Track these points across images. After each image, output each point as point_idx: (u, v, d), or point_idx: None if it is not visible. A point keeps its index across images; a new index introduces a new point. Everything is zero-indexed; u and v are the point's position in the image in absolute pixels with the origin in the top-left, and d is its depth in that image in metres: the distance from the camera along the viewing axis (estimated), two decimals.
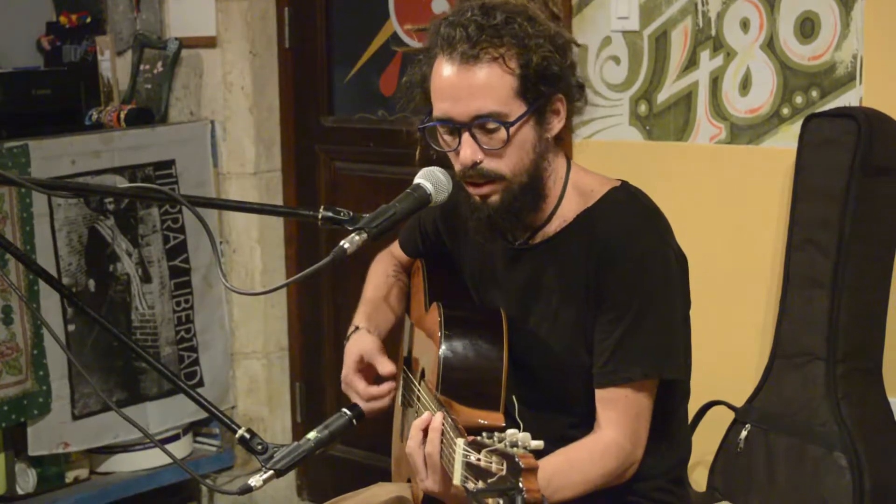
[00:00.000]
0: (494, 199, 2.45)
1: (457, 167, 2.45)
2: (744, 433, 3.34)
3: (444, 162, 2.50)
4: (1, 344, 4.15)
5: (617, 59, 3.77)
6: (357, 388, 2.65)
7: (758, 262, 3.54)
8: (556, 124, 2.48)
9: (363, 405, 2.64)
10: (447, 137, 2.46)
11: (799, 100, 3.46)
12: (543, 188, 2.49)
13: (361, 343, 2.72)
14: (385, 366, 2.65)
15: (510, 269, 2.60)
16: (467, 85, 2.39)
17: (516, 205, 2.46)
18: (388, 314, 2.88)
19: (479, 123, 2.40)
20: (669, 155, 3.70)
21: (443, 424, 2.21)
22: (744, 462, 3.33)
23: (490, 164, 2.42)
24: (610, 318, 2.44)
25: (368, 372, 2.69)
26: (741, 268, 3.58)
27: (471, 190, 2.46)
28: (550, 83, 2.42)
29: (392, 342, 2.88)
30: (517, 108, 2.40)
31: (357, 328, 2.78)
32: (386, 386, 2.66)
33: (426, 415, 2.28)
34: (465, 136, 2.41)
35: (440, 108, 2.43)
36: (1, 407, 4.14)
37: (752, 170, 3.55)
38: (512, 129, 2.39)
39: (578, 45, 2.57)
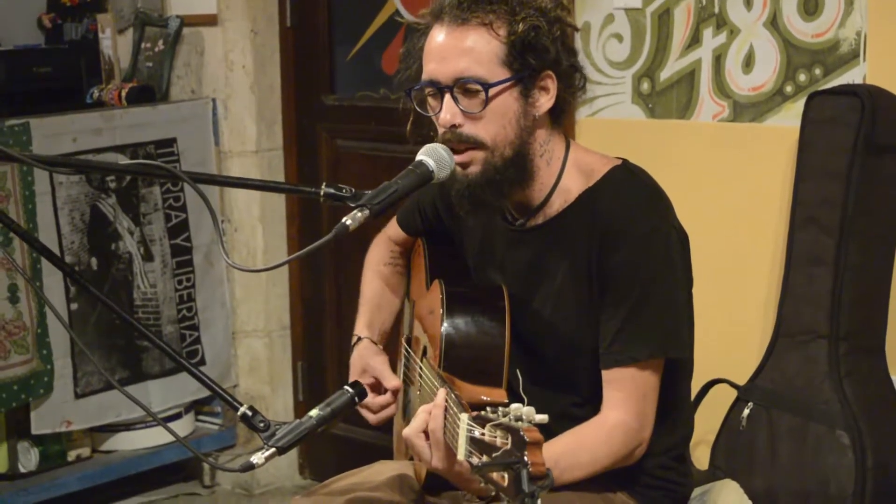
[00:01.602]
0: (474, 169, 2.45)
1: (439, 130, 2.46)
2: (746, 411, 3.34)
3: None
4: (8, 323, 4.15)
5: (619, 37, 3.76)
6: (366, 403, 2.68)
7: (760, 241, 3.53)
8: (545, 102, 2.47)
9: (372, 418, 2.67)
10: (432, 102, 2.49)
11: (802, 77, 3.45)
12: (531, 166, 2.49)
13: (365, 356, 2.76)
14: (391, 380, 2.69)
15: (512, 250, 2.59)
16: (454, 46, 2.43)
17: (497, 178, 2.45)
18: (390, 308, 2.91)
19: (460, 84, 2.42)
20: (672, 133, 3.69)
21: (446, 400, 2.21)
22: (746, 440, 3.33)
23: (469, 129, 2.44)
24: (614, 299, 2.44)
25: (375, 385, 2.72)
26: (744, 246, 3.58)
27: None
28: (538, 56, 2.43)
29: (393, 330, 2.88)
30: (500, 74, 2.43)
31: (359, 339, 2.79)
32: (389, 396, 2.69)
33: (422, 418, 2.27)
34: (447, 98, 2.44)
35: (427, 69, 2.47)
36: (11, 386, 4.14)
37: (755, 148, 3.54)
38: (491, 92, 2.41)
39: (577, 29, 2.57)
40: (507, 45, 2.41)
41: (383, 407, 2.69)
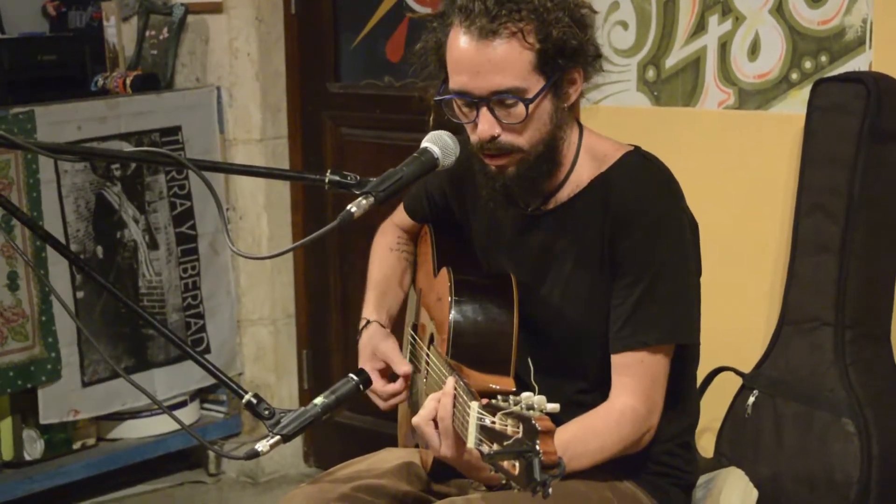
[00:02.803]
0: (511, 169, 2.45)
1: (473, 139, 2.45)
2: (751, 399, 3.34)
3: (457, 129, 2.49)
4: (7, 310, 4.15)
5: (625, 25, 3.75)
6: (375, 389, 2.66)
7: (766, 228, 3.53)
8: (573, 94, 2.48)
9: (382, 405, 2.67)
10: (465, 109, 2.46)
11: (808, 65, 3.44)
12: (559, 155, 2.50)
13: (374, 340, 2.74)
14: (401, 365, 2.67)
15: (522, 235, 2.59)
16: (486, 60, 2.38)
17: (532, 174, 2.46)
18: (397, 293, 2.89)
19: (497, 99, 2.39)
20: (677, 120, 3.68)
21: (455, 389, 2.21)
22: (751, 428, 3.33)
23: (508, 138, 2.42)
24: (626, 283, 2.44)
25: (384, 368, 2.70)
26: (749, 234, 3.57)
27: (487, 160, 2.46)
28: (569, 56, 2.42)
29: (400, 315, 2.88)
30: (536, 83, 2.40)
31: (368, 322, 2.78)
32: (401, 382, 2.68)
33: (431, 406, 2.27)
34: (483, 111, 2.40)
35: (457, 81, 2.42)
36: (6, 373, 4.15)
37: (761, 135, 3.53)
38: (531, 106, 2.39)
39: (595, 12, 2.56)
40: (539, 53, 2.38)
41: (393, 395, 2.69)
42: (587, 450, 2.39)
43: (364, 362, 2.72)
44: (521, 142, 2.43)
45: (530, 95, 2.39)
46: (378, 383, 2.67)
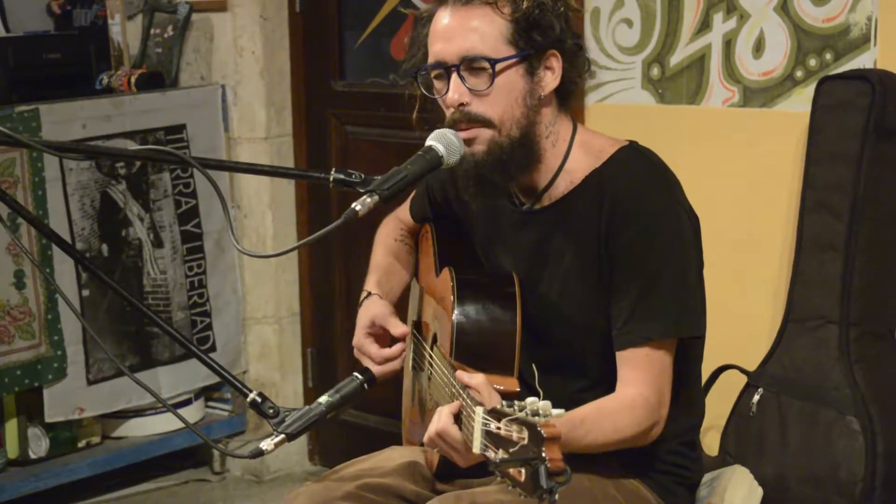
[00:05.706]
0: (480, 148, 2.46)
1: (446, 112, 2.48)
2: (756, 397, 3.34)
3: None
4: (13, 308, 4.15)
5: (629, 22, 3.75)
6: (369, 352, 2.67)
7: (771, 226, 3.53)
8: (550, 81, 2.49)
9: (376, 368, 2.65)
10: (438, 84, 2.51)
11: (813, 62, 3.44)
12: (537, 147, 2.50)
13: (373, 308, 2.74)
14: (397, 327, 2.69)
15: (519, 233, 2.59)
16: (458, 26, 2.45)
17: (503, 158, 2.46)
18: (398, 279, 2.89)
19: (466, 62, 2.44)
20: (682, 118, 3.68)
21: (460, 393, 2.21)
22: (756, 426, 3.33)
23: (477, 107, 2.45)
24: (625, 277, 2.44)
25: (380, 337, 2.70)
26: (754, 231, 3.57)
27: (460, 134, 2.47)
28: (543, 33, 2.46)
29: (401, 307, 2.88)
30: (506, 52, 2.45)
31: (369, 294, 2.79)
32: (398, 347, 2.68)
33: (433, 420, 2.27)
34: (454, 78, 2.46)
35: (433, 52, 2.49)
36: (14, 371, 4.15)
37: (766, 133, 3.53)
38: (498, 68, 2.43)
39: (577, 10, 2.59)
40: (512, 23, 2.44)
41: (387, 359, 2.68)
42: (601, 426, 2.37)
43: (359, 330, 2.72)
44: (489, 112, 2.45)
45: (497, 58, 2.43)
46: (372, 348, 2.69)
